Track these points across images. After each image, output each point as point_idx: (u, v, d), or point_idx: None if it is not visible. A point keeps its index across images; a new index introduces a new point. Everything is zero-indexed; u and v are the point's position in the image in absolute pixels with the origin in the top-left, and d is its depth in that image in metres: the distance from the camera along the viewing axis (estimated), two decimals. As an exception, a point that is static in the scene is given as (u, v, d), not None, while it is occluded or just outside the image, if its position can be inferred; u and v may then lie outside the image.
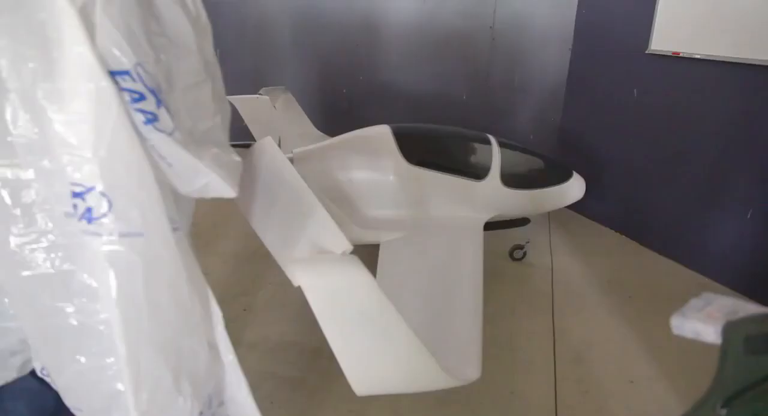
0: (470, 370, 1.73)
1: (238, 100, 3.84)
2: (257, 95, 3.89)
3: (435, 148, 3.27)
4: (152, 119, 1.00)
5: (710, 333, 1.03)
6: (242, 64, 5.36)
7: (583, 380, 2.51)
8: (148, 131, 1.00)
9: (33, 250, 1.08)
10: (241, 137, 3.88)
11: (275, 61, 5.33)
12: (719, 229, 3.36)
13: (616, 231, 4.11)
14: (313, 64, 5.27)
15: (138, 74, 0.97)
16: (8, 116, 0.99)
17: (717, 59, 3.20)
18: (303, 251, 1.49)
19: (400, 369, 1.52)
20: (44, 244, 1.08)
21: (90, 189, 1.00)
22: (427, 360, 1.47)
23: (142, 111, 0.99)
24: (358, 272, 1.32)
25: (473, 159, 3.23)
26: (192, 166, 1.07)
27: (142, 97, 0.98)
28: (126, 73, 0.96)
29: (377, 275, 2.44)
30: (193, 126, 1.13)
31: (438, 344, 1.67)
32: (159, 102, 1.01)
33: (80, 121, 0.97)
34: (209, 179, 1.10)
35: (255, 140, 1.75)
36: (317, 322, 1.36)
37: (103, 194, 1.00)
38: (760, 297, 3.12)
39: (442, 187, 3.03)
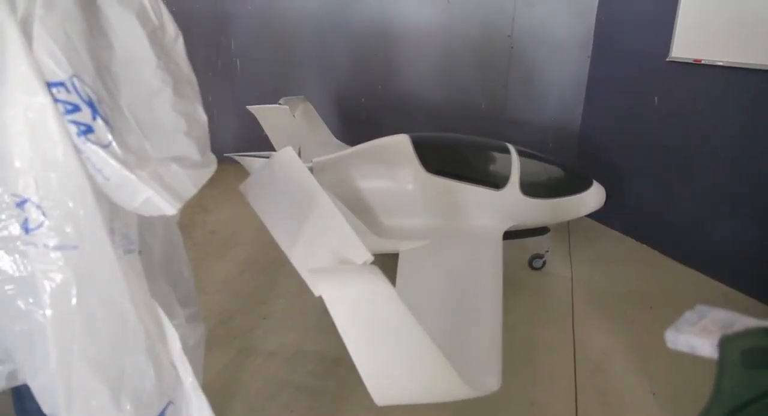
0: (491, 381, 1.72)
1: (258, 109, 3.88)
2: (277, 105, 3.92)
3: (454, 157, 3.27)
4: (86, 130, 0.99)
5: (706, 347, 1.00)
6: (262, 74, 5.42)
7: (605, 391, 2.48)
8: (81, 142, 0.99)
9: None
10: (261, 147, 3.94)
11: (295, 71, 5.37)
12: (742, 238, 3.31)
13: (636, 240, 4.07)
14: (332, 73, 5.30)
15: (73, 86, 0.98)
16: None
17: (739, 66, 3.16)
18: (323, 261, 1.50)
19: (421, 379, 1.52)
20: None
21: (26, 200, 1.01)
22: (447, 370, 1.47)
23: (76, 123, 0.98)
24: (379, 282, 1.32)
25: (492, 168, 3.23)
26: (127, 181, 1.04)
27: (76, 109, 0.98)
28: (61, 84, 0.97)
29: (397, 284, 2.44)
30: (146, 138, 1.11)
31: (458, 354, 1.66)
32: (95, 114, 1.00)
33: (17, 132, 0.98)
34: (148, 195, 1.07)
35: (275, 149, 1.76)
36: (336, 331, 1.37)
37: (37, 206, 1.01)
38: (785, 308, 3.08)
39: (461, 196, 3.03)
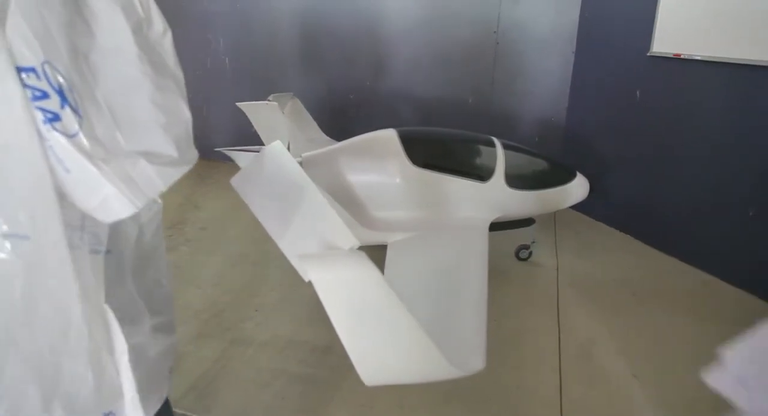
0: (475, 361, 1.79)
1: (247, 106, 3.93)
2: (266, 101, 3.97)
3: (440, 150, 3.34)
4: (52, 118, 0.96)
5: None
6: (251, 71, 5.46)
7: (588, 375, 2.56)
8: (46, 130, 0.96)
9: None
10: (251, 143, 3.99)
11: (283, 68, 5.42)
12: (722, 227, 3.40)
13: (620, 231, 4.16)
14: (320, 70, 5.35)
15: (44, 72, 0.95)
16: None
17: (717, 60, 3.25)
18: (312, 249, 1.56)
19: (407, 360, 1.58)
20: None
21: None
22: (431, 350, 1.54)
23: (43, 109, 0.95)
24: (365, 265, 1.39)
25: (478, 161, 3.30)
26: (90, 174, 0.99)
27: (44, 96, 0.95)
28: (31, 69, 0.94)
29: (385, 275, 2.50)
30: (118, 129, 1.06)
31: (443, 336, 1.73)
32: (64, 102, 0.97)
33: None
34: (108, 192, 1.01)
35: (264, 145, 1.81)
36: (327, 321, 1.43)
37: None
38: (763, 294, 3.17)
39: (447, 188, 3.10)
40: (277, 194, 1.81)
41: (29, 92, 0.94)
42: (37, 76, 0.94)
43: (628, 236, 4.08)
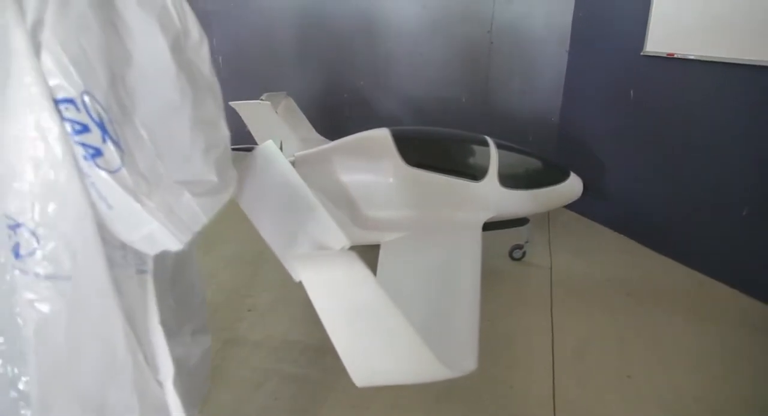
0: (467, 362, 1.78)
1: (240, 105, 3.91)
2: (259, 101, 3.96)
3: (433, 150, 3.33)
4: (95, 154, 0.90)
5: None
6: (245, 71, 5.44)
7: (582, 375, 2.56)
8: (88, 166, 0.90)
9: None
10: (244, 142, 3.97)
11: (277, 67, 5.40)
12: (716, 227, 3.40)
13: (614, 231, 4.15)
14: (314, 69, 5.34)
15: (84, 103, 0.88)
16: None
17: (710, 60, 3.25)
18: (303, 249, 1.55)
19: (398, 361, 1.57)
20: None
21: (19, 225, 0.91)
22: (423, 351, 1.53)
23: (84, 145, 0.89)
24: (356, 265, 1.38)
25: (471, 160, 3.29)
26: (133, 210, 0.94)
27: (85, 129, 0.88)
28: (70, 101, 0.87)
29: (377, 275, 2.50)
30: (159, 158, 1.01)
31: (435, 337, 1.72)
32: (105, 135, 0.90)
33: (18, 150, 0.88)
34: (152, 228, 0.96)
35: (257, 144, 1.80)
36: (319, 321, 1.42)
37: (32, 232, 0.91)
38: (756, 294, 3.17)
39: (440, 188, 3.09)
40: (269, 193, 1.79)
41: (69, 126, 0.88)
42: (77, 108, 0.88)
43: (622, 235, 4.08)
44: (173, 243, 0.99)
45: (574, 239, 4.01)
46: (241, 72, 5.45)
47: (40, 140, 0.87)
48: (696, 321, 3.00)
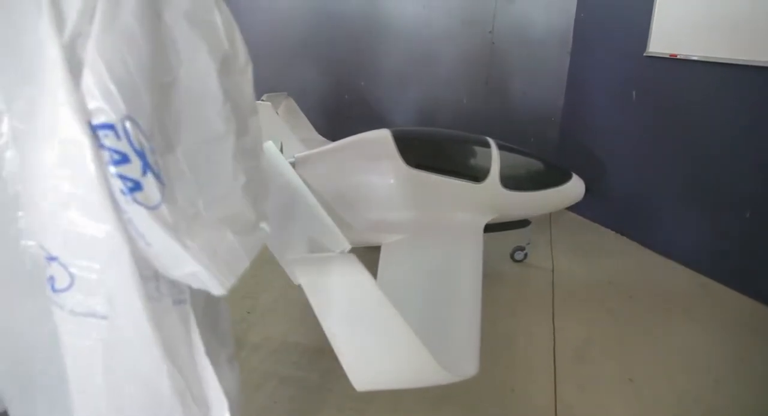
0: (468, 366, 1.76)
1: (241, 106, 3.89)
2: (260, 101, 3.95)
3: (434, 151, 3.31)
4: (134, 188, 0.80)
5: None
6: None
7: (583, 378, 2.54)
8: (126, 202, 0.81)
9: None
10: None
11: (278, 68, 5.39)
12: (719, 228, 3.38)
13: (616, 232, 4.14)
14: (315, 70, 5.33)
15: (125, 130, 0.78)
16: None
17: (713, 61, 3.23)
18: (303, 251, 1.53)
19: (398, 365, 1.56)
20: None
21: (53, 258, 0.84)
22: (423, 355, 1.51)
23: (123, 177, 0.80)
24: (355, 268, 1.36)
25: (473, 162, 3.27)
26: (174, 251, 0.86)
27: (125, 160, 0.79)
28: (110, 127, 0.77)
29: (378, 277, 2.48)
30: (199, 191, 0.92)
31: (436, 341, 1.71)
32: (146, 167, 0.81)
33: (51, 177, 0.80)
34: (195, 270, 0.88)
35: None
36: (318, 323, 1.41)
37: (65, 267, 0.85)
38: (759, 296, 3.15)
39: (441, 189, 3.07)
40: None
41: (107, 155, 0.78)
42: (117, 136, 0.78)
43: (625, 237, 4.06)
44: (216, 288, 0.92)
45: (575, 241, 3.99)
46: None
47: (76, 170, 0.78)
48: (698, 323, 2.98)
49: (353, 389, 1.53)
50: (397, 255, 2.68)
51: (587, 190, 3.45)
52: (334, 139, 3.48)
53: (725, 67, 3.19)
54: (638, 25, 3.63)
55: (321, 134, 4.46)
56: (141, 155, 0.80)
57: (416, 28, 4.88)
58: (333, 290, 1.40)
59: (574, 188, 3.40)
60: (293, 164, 2.89)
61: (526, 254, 3.62)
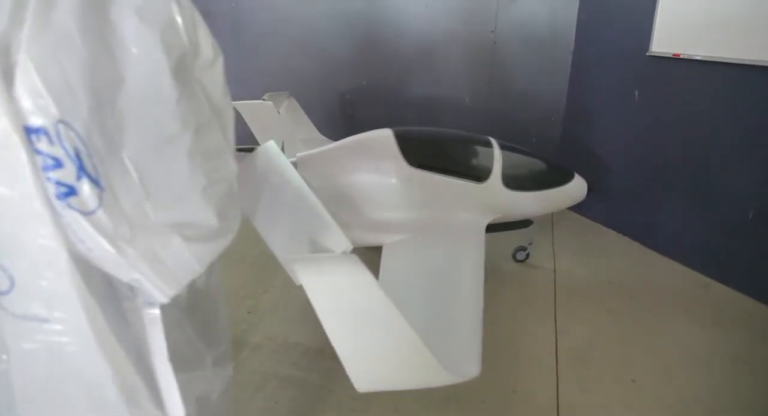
0: (470, 367, 1.75)
1: (242, 105, 3.89)
2: (261, 101, 3.94)
3: (436, 151, 3.30)
4: (68, 193, 0.79)
5: None
6: (246, 70, 5.42)
7: (585, 379, 2.53)
8: (61, 207, 0.80)
9: None
10: (246, 143, 3.93)
11: (279, 67, 5.38)
12: (721, 229, 3.37)
13: (618, 232, 4.12)
14: (316, 69, 5.32)
15: (57, 134, 0.77)
16: None
17: (716, 60, 3.22)
18: (304, 251, 1.53)
19: (400, 365, 1.55)
20: None
21: None
22: (425, 356, 1.50)
23: (57, 182, 0.78)
24: (357, 269, 1.35)
25: (475, 162, 3.26)
26: (112, 258, 0.84)
27: (58, 165, 0.78)
28: (42, 131, 0.76)
29: (380, 277, 2.47)
30: (147, 198, 0.89)
31: (438, 341, 1.70)
32: (81, 172, 0.80)
33: None
34: (135, 278, 0.88)
35: (259, 145, 1.78)
36: (320, 324, 1.40)
37: (4, 270, 0.84)
38: (761, 297, 3.14)
39: (443, 189, 3.06)
40: (270, 195, 1.77)
41: (40, 160, 0.77)
42: (50, 140, 0.77)
43: (626, 237, 4.05)
44: (158, 296, 0.90)
45: (577, 241, 3.98)
46: (243, 72, 5.42)
47: (9, 174, 0.77)
48: (700, 323, 2.97)
49: (354, 389, 1.52)
50: (399, 255, 2.67)
51: (589, 190, 3.44)
52: (335, 138, 3.47)
53: (728, 67, 3.17)
54: (641, 24, 3.62)
55: (323, 134, 4.45)
56: (75, 158, 0.79)
57: (418, 27, 4.87)
58: (335, 290, 1.39)
59: (576, 188, 3.39)
60: (295, 164, 2.88)
61: (528, 254, 3.61)
